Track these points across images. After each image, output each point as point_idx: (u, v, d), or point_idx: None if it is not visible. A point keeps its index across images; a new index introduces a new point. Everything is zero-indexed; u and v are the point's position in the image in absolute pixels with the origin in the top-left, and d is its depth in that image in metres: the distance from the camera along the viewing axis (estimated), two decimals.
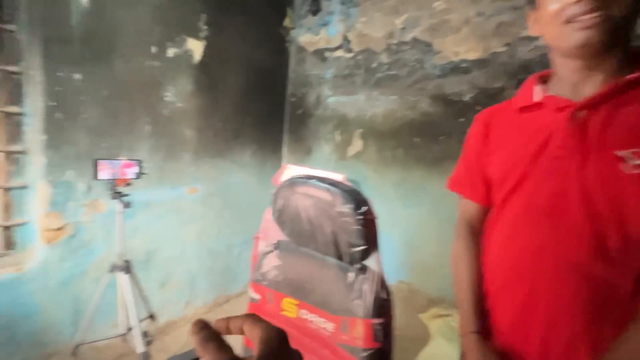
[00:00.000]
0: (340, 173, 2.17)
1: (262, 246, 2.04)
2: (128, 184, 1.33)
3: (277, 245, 1.01)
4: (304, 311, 0.94)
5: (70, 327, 1.55)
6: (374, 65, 2.26)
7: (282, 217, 0.96)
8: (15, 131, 1.37)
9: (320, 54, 2.51)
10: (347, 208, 0.80)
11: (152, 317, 1.67)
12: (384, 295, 0.81)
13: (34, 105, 1.37)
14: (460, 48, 1.92)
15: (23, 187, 1.41)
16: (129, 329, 1.50)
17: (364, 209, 0.80)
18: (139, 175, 1.38)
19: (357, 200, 0.81)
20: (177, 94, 1.86)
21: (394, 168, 2.21)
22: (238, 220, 2.43)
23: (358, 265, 0.85)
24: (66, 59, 1.39)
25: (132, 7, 1.60)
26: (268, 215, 2.08)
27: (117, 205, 1.33)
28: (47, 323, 1.47)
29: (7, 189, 1.38)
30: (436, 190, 2.04)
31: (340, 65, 2.42)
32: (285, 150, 2.78)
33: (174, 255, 2.00)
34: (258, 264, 1.05)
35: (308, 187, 0.88)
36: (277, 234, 1.06)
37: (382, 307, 0.81)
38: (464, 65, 1.92)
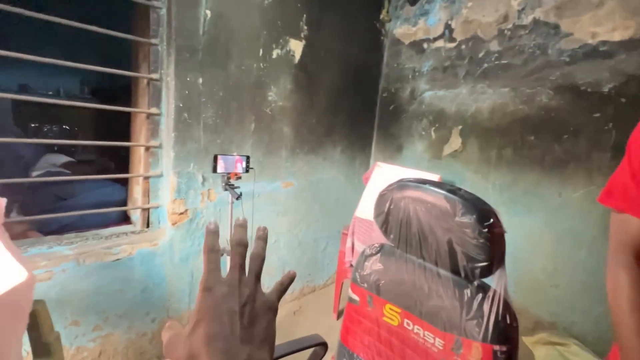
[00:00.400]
0: (434, 173, 2.04)
1: (357, 246, 2.05)
2: (238, 178, 1.46)
3: (381, 250, 0.98)
4: (407, 321, 0.89)
5: (187, 297, 1.81)
6: (481, 54, 2.03)
7: (388, 221, 0.93)
8: (154, 129, 1.62)
9: (417, 45, 2.37)
10: (468, 219, 0.72)
11: None
12: (508, 320, 0.71)
13: (167, 107, 1.60)
14: (601, 28, 1.58)
15: (158, 176, 1.67)
16: None
17: (490, 221, 0.71)
18: (247, 169, 1.51)
19: (481, 210, 0.73)
20: (279, 93, 1.97)
21: (499, 169, 1.97)
22: (326, 215, 2.49)
23: (477, 282, 0.77)
24: (192, 65, 1.59)
25: (245, 14, 1.74)
26: (359, 215, 2.08)
27: (229, 196, 1.47)
28: (171, 291, 1.73)
29: (147, 178, 1.66)
30: (553, 198, 1.75)
31: (440, 56, 2.24)
32: (374, 147, 2.72)
33: (269, 243, 2.15)
34: (358, 265, 1.04)
35: (421, 191, 0.83)
36: (379, 237, 1.04)
37: (506, 333, 0.71)
38: (603, 48, 1.58)
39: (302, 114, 2.13)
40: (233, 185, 1.46)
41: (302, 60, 2.04)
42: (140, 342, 1.67)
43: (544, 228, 1.80)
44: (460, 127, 2.15)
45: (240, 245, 0.36)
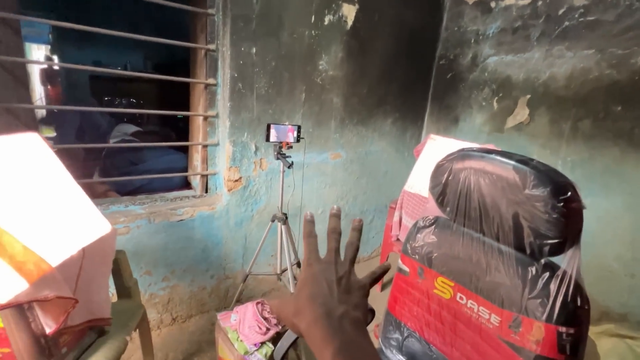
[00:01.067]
0: (494, 146, 1.89)
1: (405, 220, 2.01)
2: (290, 147, 1.49)
3: (435, 222, 0.95)
4: (461, 295, 0.87)
5: (240, 258, 1.95)
6: (562, 11, 1.76)
7: (445, 193, 0.89)
8: (211, 99, 1.70)
9: (483, 4, 2.13)
10: (541, 191, 0.66)
11: (298, 264, 1.92)
12: (579, 302, 0.66)
13: (223, 77, 1.66)
14: None
15: (215, 145, 1.77)
16: (283, 271, 1.77)
17: (567, 194, 0.64)
18: (298, 139, 1.53)
19: (557, 183, 0.66)
20: (329, 62, 1.92)
21: (573, 144, 1.76)
22: (374, 188, 2.47)
23: (545, 261, 0.71)
24: (247, 35, 1.61)
25: None
26: (408, 189, 2.02)
27: (280, 165, 1.51)
28: (227, 252, 1.88)
29: (205, 146, 1.76)
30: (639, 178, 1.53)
31: (510, 16, 2.00)
32: (427, 119, 2.58)
33: (317, 213, 2.20)
34: (410, 237, 1.02)
35: (486, 162, 0.77)
36: (431, 211, 1.00)
37: (575, 315, 0.66)
38: None
39: (352, 84, 2.07)
40: (284, 154, 1.49)
41: (354, 26, 1.95)
42: (201, 294, 1.86)
43: (624, 211, 1.60)
44: (528, 96, 1.93)
45: (335, 233, 0.41)
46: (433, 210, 1.00)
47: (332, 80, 1.98)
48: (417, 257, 0.99)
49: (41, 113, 2.81)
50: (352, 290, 0.35)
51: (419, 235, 0.99)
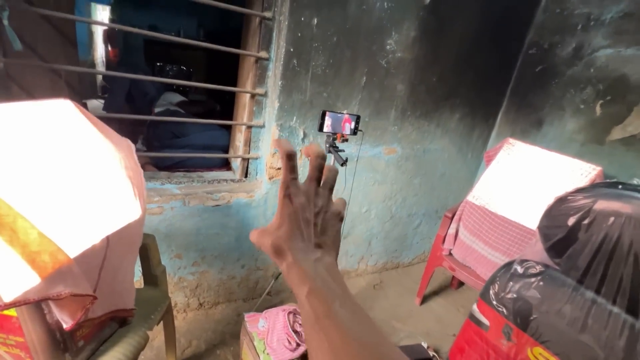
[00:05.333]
0: (591, 162, 1.53)
1: (463, 234, 1.74)
2: (345, 140, 1.27)
3: (543, 274, 0.70)
4: None
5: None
6: None
7: (569, 241, 0.63)
8: (261, 75, 1.51)
9: None
10: None
11: None
12: None
13: (277, 51, 1.45)
14: None
15: (260, 127, 1.59)
16: None
17: None
18: (355, 131, 1.30)
19: None
20: (399, 41, 1.64)
21: None
22: (427, 191, 2.19)
23: None
24: (309, 2, 1.37)
25: None
26: (472, 199, 1.73)
27: (331, 159, 1.31)
28: None
29: (249, 127, 1.60)
30: None
31: None
32: (500, 118, 2.21)
33: (361, 211, 2.00)
34: (495, 280, 0.78)
35: None
36: (537, 253, 0.75)
37: None
38: None
39: (422, 69, 1.77)
40: (338, 147, 1.28)
41: (434, 0, 1.63)
42: (229, 283, 1.76)
43: None
44: None
45: (319, 157, 0.37)
46: (538, 253, 0.74)
47: (399, 63, 1.69)
48: (504, 311, 0.75)
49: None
50: (328, 227, 0.36)
51: (512, 283, 0.74)
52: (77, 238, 0.79)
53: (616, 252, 0.57)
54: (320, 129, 1.23)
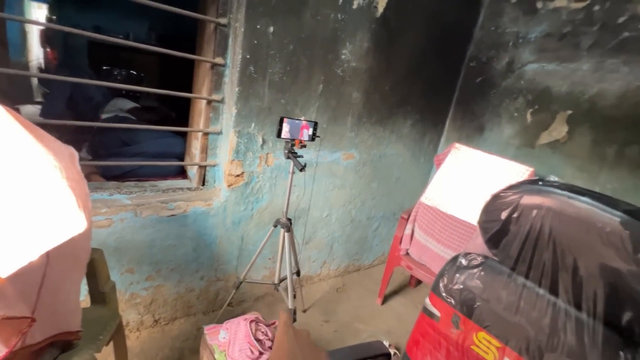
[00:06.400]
0: (524, 164, 1.70)
1: (418, 234, 1.83)
2: (303, 146, 1.30)
3: (483, 264, 0.77)
4: None
5: (234, 260, 1.77)
6: (622, 19, 1.56)
7: (503, 233, 0.71)
8: (218, 81, 1.49)
9: (528, 4, 1.92)
10: None
11: (298, 273, 1.75)
12: None
13: (233, 58, 1.44)
14: None
15: (217, 133, 1.57)
16: (282, 280, 1.59)
17: None
18: (313, 137, 1.33)
19: None
20: (354, 52, 1.71)
21: (616, 171, 1.58)
22: (384, 194, 2.29)
23: None
24: (265, 10, 1.39)
25: None
26: (425, 201, 1.84)
27: (290, 165, 1.33)
28: (220, 253, 1.70)
29: (206, 133, 1.56)
30: None
31: (558, 19, 1.79)
32: (448, 125, 2.39)
33: (322, 216, 2.03)
34: (444, 274, 0.85)
35: (575, 205, 0.59)
36: (480, 246, 0.82)
37: None
38: None
39: (376, 79, 1.86)
40: (296, 153, 1.30)
41: (385, 14, 1.73)
42: (188, 296, 1.69)
43: None
44: (569, 112, 1.74)
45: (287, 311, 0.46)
46: (479, 246, 0.82)
47: (354, 72, 1.77)
48: (452, 301, 0.81)
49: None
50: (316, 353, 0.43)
51: (458, 275, 0.81)
52: (10, 255, 0.72)
53: (539, 241, 0.65)
54: (279, 135, 1.24)
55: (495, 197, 0.73)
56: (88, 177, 1.59)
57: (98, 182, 1.54)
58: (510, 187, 0.71)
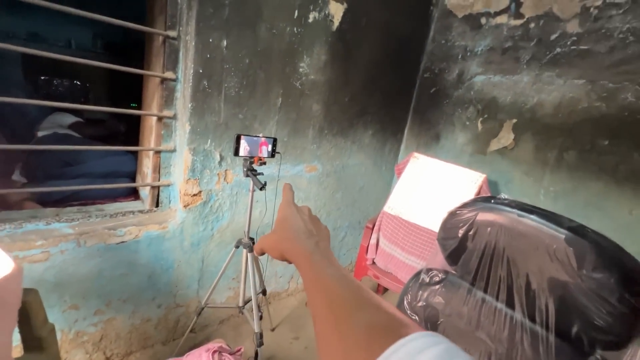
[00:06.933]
0: (477, 170, 1.80)
1: (383, 243, 1.85)
2: (263, 163, 1.26)
3: (444, 281, 0.78)
4: None
5: (195, 283, 1.67)
6: (554, 36, 1.71)
7: (461, 249, 0.72)
8: (169, 97, 1.41)
9: (473, 20, 2.04)
10: (604, 277, 0.51)
11: (264, 292, 1.69)
12: None
13: (185, 72, 1.37)
14: None
15: (171, 151, 1.47)
16: (246, 302, 1.52)
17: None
18: (273, 154, 1.29)
19: (627, 268, 0.51)
20: (311, 65, 1.71)
21: (557, 174, 1.71)
22: (348, 204, 2.30)
23: (596, 357, 0.56)
24: (217, 23, 1.34)
25: None
26: (388, 210, 1.87)
27: (250, 183, 1.28)
28: (179, 277, 1.59)
29: (158, 152, 1.46)
30: (623, 214, 1.51)
31: (500, 35, 1.92)
32: (407, 133, 2.46)
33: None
34: (408, 291, 0.85)
35: (523, 222, 0.61)
36: (439, 262, 0.83)
37: None
38: None
39: (335, 90, 1.87)
40: (256, 171, 1.26)
41: (340, 27, 1.75)
42: (144, 327, 1.56)
43: None
44: (514, 120, 1.87)
45: (291, 190, 0.51)
46: (439, 262, 0.83)
47: (313, 85, 1.76)
48: (417, 318, 0.81)
49: None
50: (319, 225, 0.46)
51: (421, 292, 0.81)
52: None
53: (494, 256, 0.66)
54: (236, 153, 1.19)
55: (452, 215, 0.75)
56: (21, 204, 1.43)
57: (33, 209, 1.38)
58: (465, 205, 0.73)
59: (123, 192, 1.74)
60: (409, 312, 0.83)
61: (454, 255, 0.74)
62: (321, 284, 0.33)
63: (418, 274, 0.85)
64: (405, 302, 0.84)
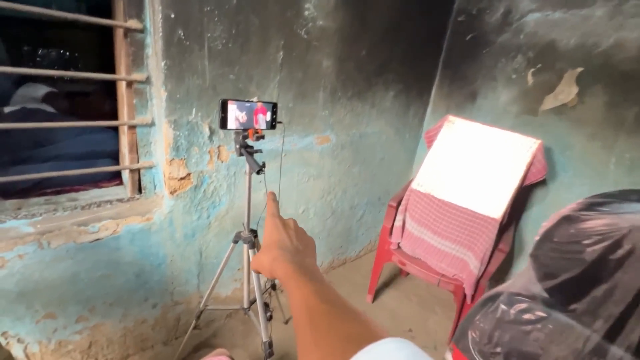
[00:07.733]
0: (527, 134, 1.44)
1: (410, 226, 1.56)
2: (260, 137, 0.95)
3: (548, 320, 0.49)
4: None
5: (194, 278, 1.45)
6: None
7: (591, 276, 0.42)
8: (137, 54, 1.09)
9: None
10: None
11: (274, 287, 1.46)
12: None
13: (153, 19, 1.04)
14: None
15: (148, 125, 1.18)
16: (252, 302, 1.29)
17: None
18: (273, 124, 0.98)
19: None
20: (319, 6, 1.33)
21: (636, 137, 1.35)
22: (367, 178, 2.00)
23: None
24: None
25: None
26: (417, 187, 1.56)
27: (245, 165, 0.98)
28: (174, 273, 1.37)
29: (133, 127, 1.17)
30: None
31: None
32: (434, 93, 2.08)
33: (298, 213, 1.72)
34: (475, 324, 0.57)
35: None
36: (525, 282, 0.54)
37: None
38: None
39: (349, 41, 1.50)
40: (252, 148, 0.96)
41: None
42: (140, 329, 1.37)
43: None
44: (579, 69, 1.47)
45: (275, 201, 0.50)
46: (528, 284, 0.54)
47: (321, 33, 1.40)
48: None
49: None
50: (306, 239, 0.45)
51: (499, 332, 0.53)
52: None
53: (615, 277, 0.36)
54: (223, 125, 0.88)
55: (569, 221, 0.44)
56: None
57: None
58: (595, 205, 0.42)
59: (107, 175, 1.49)
60: (477, 356, 0.55)
61: (571, 289, 0.45)
62: (305, 303, 0.31)
63: (492, 298, 0.57)
64: (469, 340, 0.56)
